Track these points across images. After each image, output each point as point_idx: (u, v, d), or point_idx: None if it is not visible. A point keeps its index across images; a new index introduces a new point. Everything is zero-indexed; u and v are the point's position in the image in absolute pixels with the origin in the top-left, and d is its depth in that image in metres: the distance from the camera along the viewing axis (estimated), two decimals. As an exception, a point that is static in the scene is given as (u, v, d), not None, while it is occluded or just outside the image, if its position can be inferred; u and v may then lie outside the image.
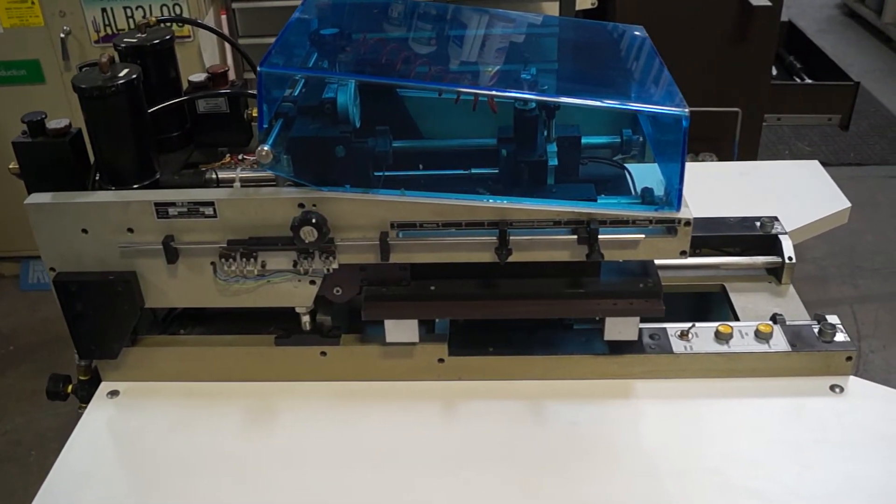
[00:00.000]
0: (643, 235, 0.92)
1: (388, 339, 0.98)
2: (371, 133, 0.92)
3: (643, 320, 1.00)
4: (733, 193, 1.41)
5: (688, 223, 0.92)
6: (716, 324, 1.03)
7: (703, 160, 2.21)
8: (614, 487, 0.89)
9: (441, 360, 1.01)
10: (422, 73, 0.98)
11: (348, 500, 0.89)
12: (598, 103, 0.89)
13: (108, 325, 0.97)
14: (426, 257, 0.94)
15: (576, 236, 0.90)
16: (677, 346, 1.02)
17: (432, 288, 0.97)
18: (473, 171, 0.94)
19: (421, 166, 0.95)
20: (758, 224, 1.24)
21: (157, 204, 0.91)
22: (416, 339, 0.98)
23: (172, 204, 0.91)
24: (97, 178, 0.95)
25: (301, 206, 0.91)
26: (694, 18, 2.07)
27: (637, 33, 1.09)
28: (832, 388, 1.00)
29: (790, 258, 1.20)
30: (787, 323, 1.06)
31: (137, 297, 0.96)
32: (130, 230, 0.93)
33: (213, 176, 0.96)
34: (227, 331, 1.04)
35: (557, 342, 1.01)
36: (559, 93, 0.96)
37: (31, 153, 0.94)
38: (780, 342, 1.02)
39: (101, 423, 0.99)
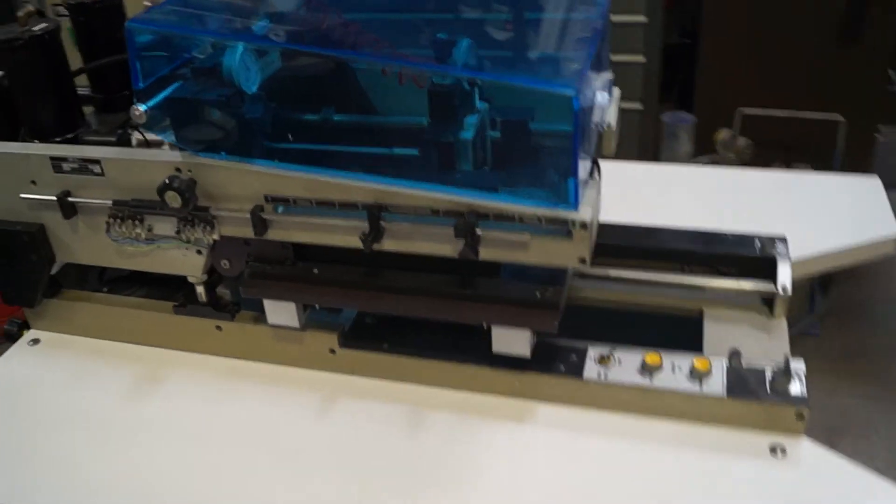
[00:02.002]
0: (528, 235, 0.80)
1: (269, 320, 0.93)
2: (259, 101, 0.87)
3: (566, 335, 0.87)
4: (760, 205, 1.21)
5: (584, 226, 0.78)
6: (643, 351, 0.88)
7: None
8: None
9: (332, 351, 0.94)
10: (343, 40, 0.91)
11: (179, 476, 0.84)
12: (467, 74, 0.77)
13: (20, 275, 0.99)
14: (303, 237, 0.87)
15: (453, 229, 0.80)
16: (591, 370, 0.87)
17: (315, 271, 0.90)
18: (361, 148, 0.86)
19: (310, 140, 0.88)
20: (758, 244, 1.05)
21: (52, 158, 0.91)
22: (297, 325, 0.92)
23: (65, 159, 0.91)
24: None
25: (178, 170, 0.87)
26: (798, 12, 1.81)
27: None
28: (773, 449, 0.82)
29: (784, 288, 1.00)
30: (744, 363, 0.88)
31: (46, 250, 0.97)
32: (34, 182, 0.94)
33: (141, 137, 0.95)
34: (157, 295, 1.04)
35: (461, 348, 0.91)
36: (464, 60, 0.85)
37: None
38: (715, 384, 0.85)
39: (8, 367, 1.01)
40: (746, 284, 1.01)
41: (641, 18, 2.51)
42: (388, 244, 0.84)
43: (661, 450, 0.83)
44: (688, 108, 2.65)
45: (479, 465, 0.83)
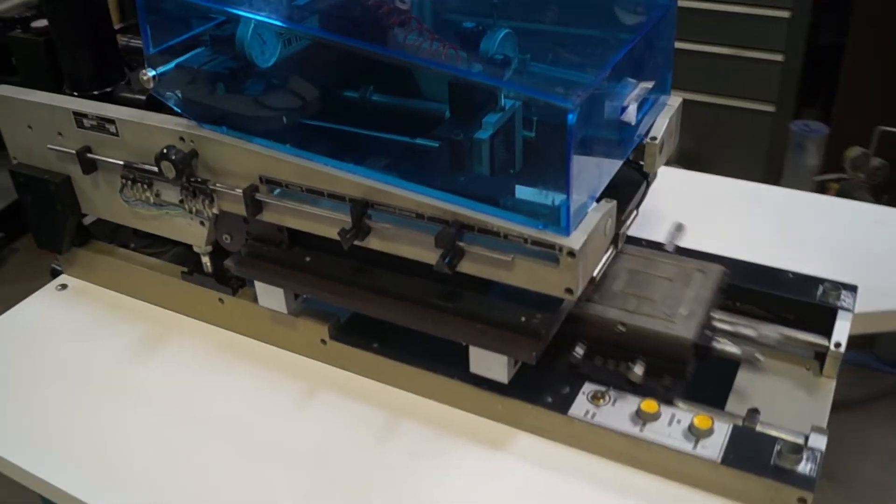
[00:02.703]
0: (511, 256, 0.72)
1: (260, 302, 0.90)
2: (264, 78, 0.83)
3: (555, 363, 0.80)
4: (846, 243, 1.06)
5: (572, 254, 0.70)
6: (640, 398, 0.79)
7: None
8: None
9: (324, 342, 0.91)
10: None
11: (145, 440, 0.84)
12: (463, 76, 0.70)
13: (50, 222, 1.02)
14: (293, 222, 0.84)
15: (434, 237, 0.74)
16: (579, 408, 0.79)
17: (307, 259, 0.87)
18: (356, 132, 0.81)
19: (307, 125, 0.83)
20: (821, 289, 0.92)
21: (75, 113, 0.92)
22: (285, 310, 0.89)
23: (86, 115, 0.91)
24: (68, 81, 0.99)
25: (182, 139, 0.86)
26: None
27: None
28: (765, 532, 0.71)
29: (838, 344, 0.87)
30: (760, 426, 0.78)
31: (71, 201, 0.99)
32: (60, 134, 0.95)
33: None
34: (179, 259, 1.04)
35: (448, 360, 0.84)
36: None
37: (14, 46, 1.01)
38: (712, 446, 0.75)
39: (32, 308, 1.05)
40: (797, 334, 0.89)
41: (784, 14, 2.29)
42: (373, 243, 0.79)
43: (634, 507, 0.75)
44: (827, 119, 2.41)
45: (439, 485, 0.78)
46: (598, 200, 0.76)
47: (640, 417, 0.78)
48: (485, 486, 0.78)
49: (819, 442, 0.74)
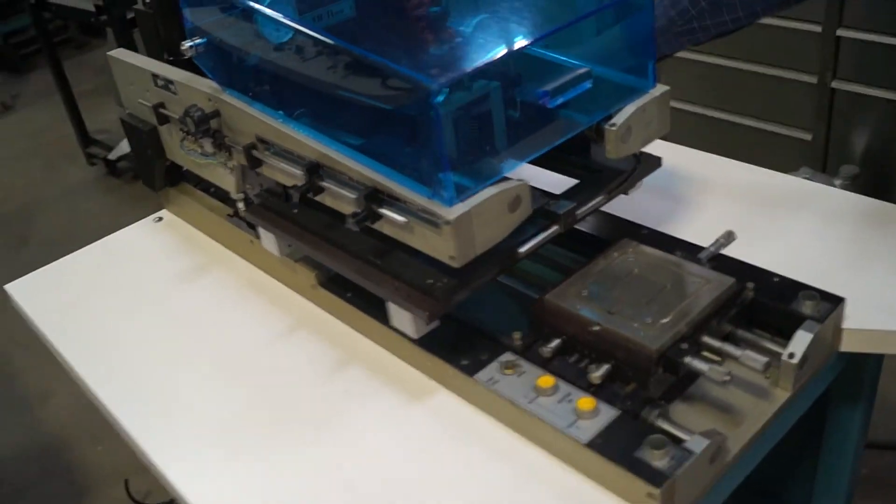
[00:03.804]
0: (405, 219, 0.78)
1: (263, 244, 1.04)
2: (265, 50, 0.96)
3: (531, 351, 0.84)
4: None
5: (449, 223, 0.74)
6: (542, 372, 0.81)
7: None
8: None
9: (314, 287, 1.03)
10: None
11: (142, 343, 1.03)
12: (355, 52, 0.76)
13: (144, 163, 1.24)
14: (280, 178, 0.96)
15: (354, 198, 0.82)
16: (487, 374, 0.84)
17: (294, 211, 0.99)
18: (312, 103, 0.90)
19: (284, 95, 0.94)
20: (802, 297, 0.86)
21: (152, 74, 1.12)
22: (277, 252, 1.02)
23: (157, 76, 1.11)
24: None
25: (209, 100, 1.01)
26: None
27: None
28: (616, 520, 0.72)
29: (791, 355, 0.82)
30: (656, 419, 0.77)
31: (158, 147, 1.20)
32: (147, 91, 1.16)
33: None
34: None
35: (400, 316, 0.93)
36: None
37: (137, 17, 1.24)
38: (586, 429, 0.76)
39: (131, 233, 1.28)
40: (764, 341, 0.84)
41: None
42: (327, 200, 0.90)
43: (515, 477, 0.78)
44: None
45: (349, 424, 0.87)
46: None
47: (535, 391, 0.81)
48: (388, 431, 0.85)
49: (697, 445, 0.72)
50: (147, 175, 1.26)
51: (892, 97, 1.99)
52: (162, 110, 1.13)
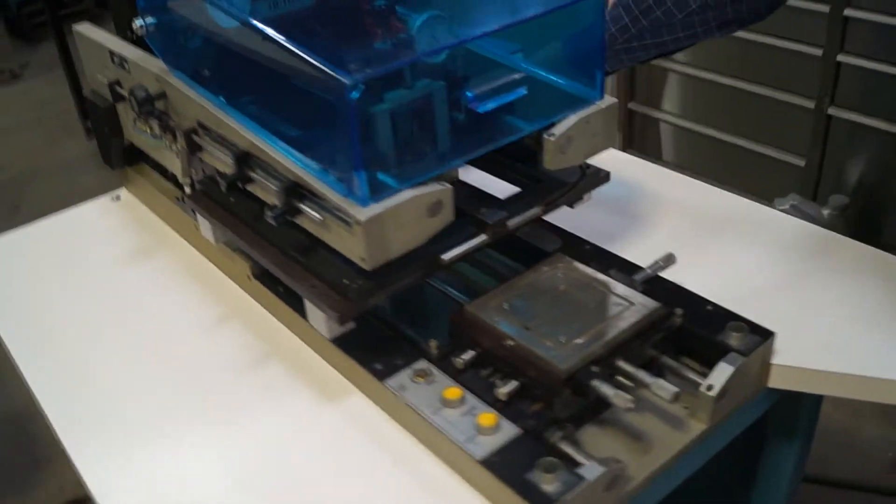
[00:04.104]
0: (324, 217, 0.77)
1: (201, 230, 1.03)
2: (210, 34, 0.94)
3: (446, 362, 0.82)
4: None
5: (360, 224, 0.73)
6: (452, 384, 0.80)
7: None
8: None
9: (249, 278, 1.01)
10: None
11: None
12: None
13: (103, 141, 1.23)
14: (216, 164, 0.95)
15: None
16: (397, 380, 0.82)
17: (232, 200, 0.97)
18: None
19: (222, 82, 0.93)
20: (729, 328, 0.84)
21: (110, 51, 1.11)
22: (213, 240, 1.01)
23: (113, 53, 1.10)
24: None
25: (157, 81, 1.00)
26: None
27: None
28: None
29: (710, 387, 0.80)
30: (560, 442, 0.75)
31: (116, 126, 1.19)
32: (105, 67, 1.15)
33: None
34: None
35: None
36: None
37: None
38: (484, 444, 0.74)
39: (87, 210, 1.28)
40: (686, 370, 0.82)
41: None
42: (257, 191, 0.88)
43: (412, 487, 0.77)
44: None
45: (260, 420, 0.85)
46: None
47: (441, 402, 0.79)
48: (297, 430, 0.84)
49: (590, 472, 0.70)
50: (106, 153, 1.26)
51: (890, 129, 1.95)
52: (117, 88, 1.12)
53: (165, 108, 1.01)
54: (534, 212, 0.89)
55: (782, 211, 2.04)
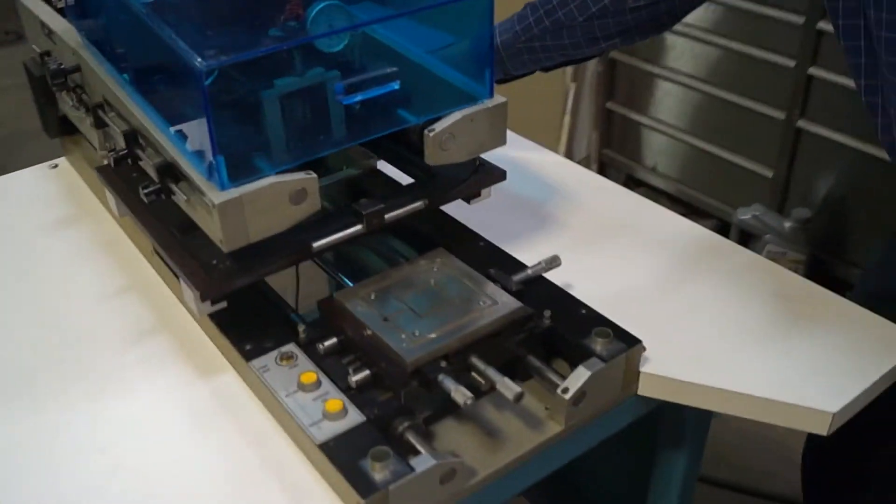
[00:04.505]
0: (186, 197, 0.78)
1: (109, 202, 1.05)
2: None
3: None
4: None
5: (215, 207, 0.75)
6: (312, 368, 0.81)
7: None
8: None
9: (152, 253, 1.03)
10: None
11: None
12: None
13: (41, 109, 1.26)
14: (118, 142, 0.97)
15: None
16: (263, 361, 0.84)
17: (134, 175, 0.99)
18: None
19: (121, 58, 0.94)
20: (595, 332, 0.85)
21: (41, 22, 1.13)
22: (117, 213, 1.03)
23: (43, 23, 1.12)
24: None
25: (74, 54, 1.02)
26: None
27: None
28: (331, 523, 0.72)
29: (565, 390, 0.81)
30: (406, 431, 0.76)
31: (50, 95, 1.21)
32: (38, 37, 1.17)
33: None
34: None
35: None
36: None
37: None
38: (326, 429, 0.76)
39: (23, 177, 1.30)
40: (548, 371, 0.83)
41: None
42: (148, 168, 0.90)
43: (260, 466, 0.79)
44: None
45: (130, 392, 0.87)
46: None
47: (297, 386, 0.81)
48: (166, 404, 0.86)
49: (421, 464, 0.72)
50: (43, 121, 1.28)
51: (857, 146, 1.94)
52: (46, 58, 1.14)
53: (81, 81, 1.03)
54: (415, 205, 0.90)
55: (744, 220, 2.04)
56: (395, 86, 0.82)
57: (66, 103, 1.12)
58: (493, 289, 0.87)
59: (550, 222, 1.13)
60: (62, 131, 1.27)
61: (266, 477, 0.78)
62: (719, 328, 0.94)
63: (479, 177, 0.95)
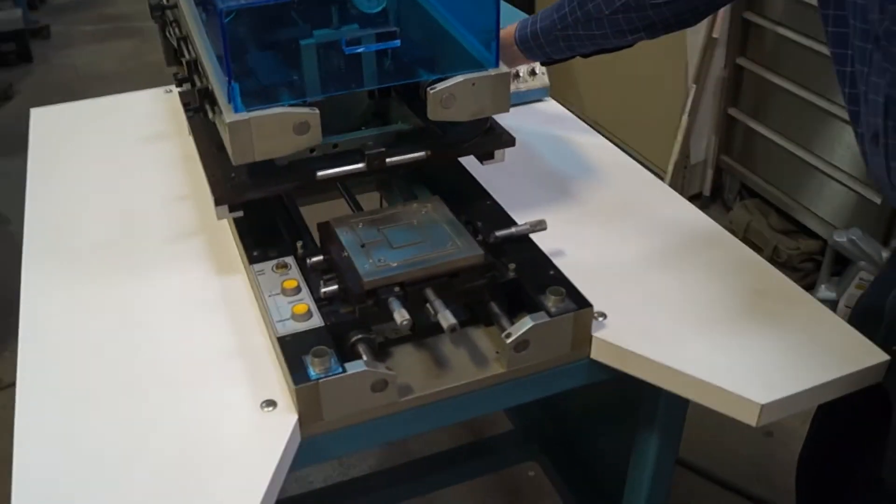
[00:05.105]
0: (211, 115, 0.93)
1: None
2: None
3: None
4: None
5: (226, 125, 0.89)
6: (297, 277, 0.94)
7: None
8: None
9: (213, 169, 1.20)
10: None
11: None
12: None
13: (162, 40, 1.46)
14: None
15: (200, 92, 0.98)
16: (263, 266, 0.98)
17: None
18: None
19: None
20: (549, 291, 0.92)
21: (164, -37, 1.32)
22: (188, 131, 1.20)
23: (163, -33, 1.31)
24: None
25: None
26: None
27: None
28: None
29: (508, 335, 0.88)
30: (356, 338, 0.87)
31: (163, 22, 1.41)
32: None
33: None
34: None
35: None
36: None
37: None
38: (288, 327, 0.88)
39: (141, 97, 1.52)
40: (502, 315, 0.92)
41: None
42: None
43: (236, 349, 0.92)
44: None
45: (159, 275, 1.04)
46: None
47: (280, 290, 0.94)
48: (182, 290, 1.02)
49: (352, 368, 0.83)
50: (164, 51, 1.49)
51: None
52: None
53: (175, 17, 1.21)
54: (417, 155, 1.00)
55: (839, 242, 1.97)
56: (396, 43, 0.92)
57: (172, 36, 1.31)
58: (467, 237, 0.95)
59: (569, 196, 1.19)
60: (175, 60, 1.48)
61: (239, 359, 0.91)
62: (684, 311, 0.97)
63: (485, 138, 1.04)
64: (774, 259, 2.29)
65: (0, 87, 3.45)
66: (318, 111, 0.92)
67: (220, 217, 1.00)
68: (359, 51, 0.92)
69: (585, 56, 1.14)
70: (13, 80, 3.57)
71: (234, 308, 0.99)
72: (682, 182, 2.62)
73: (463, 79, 0.96)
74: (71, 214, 1.18)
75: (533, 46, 1.12)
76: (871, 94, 0.82)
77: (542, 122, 1.42)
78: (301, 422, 0.84)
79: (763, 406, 0.85)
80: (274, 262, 0.98)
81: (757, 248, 2.33)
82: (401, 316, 0.85)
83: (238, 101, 0.89)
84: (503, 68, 0.98)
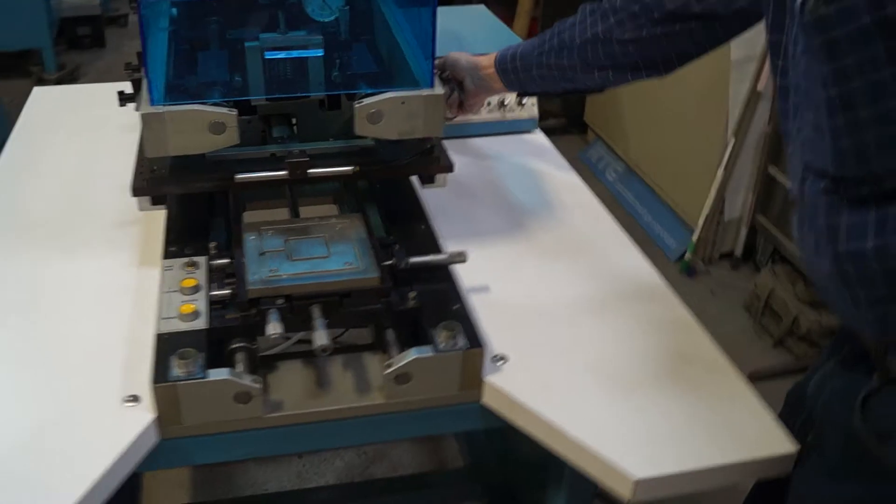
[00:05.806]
0: (136, 107, 0.93)
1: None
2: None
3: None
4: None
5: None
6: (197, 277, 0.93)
7: None
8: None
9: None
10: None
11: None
12: None
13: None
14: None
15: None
16: (173, 262, 0.97)
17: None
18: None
19: None
20: (442, 325, 0.88)
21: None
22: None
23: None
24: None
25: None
26: None
27: None
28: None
29: (389, 366, 0.85)
30: (235, 344, 0.86)
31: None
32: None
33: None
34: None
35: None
36: None
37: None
38: (171, 325, 0.87)
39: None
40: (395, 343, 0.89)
41: None
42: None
43: (128, 336, 0.92)
44: None
45: (77, 261, 1.05)
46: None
47: (178, 287, 0.93)
48: (101, 275, 1.02)
49: (214, 375, 0.81)
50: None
51: None
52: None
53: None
54: (342, 169, 0.98)
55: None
56: (319, 52, 0.91)
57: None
58: (370, 259, 0.92)
59: (523, 229, 1.15)
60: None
61: (124, 349, 0.90)
62: (596, 365, 0.91)
63: (420, 159, 1.01)
64: (794, 331, 2.16)
65: (68, 67, 3.60)
66: (235, 112, 0.91)
67: (141, 208, 1.01)
68: (279, 56, 0.91)
69: (554, 95, 1.10)
70: (82, 63, 3.73)
71: (142, 300, 0.98)
72: (713, 237, 2.51)
73: (392, 95, 0.94)
74: (23, 191, 1.21)
75: (509, 69, 1.09)
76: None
77: (523, 153, 1.38)
78: (160, 422, 0.82)
79: (637, 481, 0.79)
80: (186, 259, 0.98)
81: (777, 317, 2.21)
82: (273, 328, 0.82)
83: (155, 93, 0.89)
84: (437, 90, 0.95)
